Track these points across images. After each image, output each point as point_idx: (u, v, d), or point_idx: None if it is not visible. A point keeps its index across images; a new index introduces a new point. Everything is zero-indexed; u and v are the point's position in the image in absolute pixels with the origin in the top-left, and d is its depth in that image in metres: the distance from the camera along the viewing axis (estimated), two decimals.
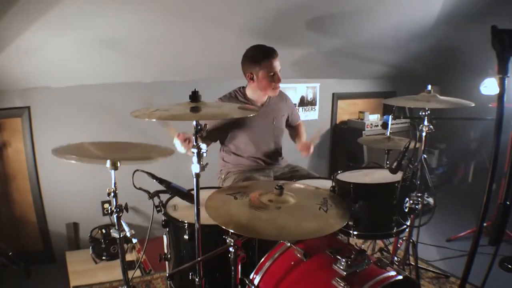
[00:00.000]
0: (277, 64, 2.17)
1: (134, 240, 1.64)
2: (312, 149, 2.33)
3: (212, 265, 1.58)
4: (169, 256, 1.77)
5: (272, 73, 2.15)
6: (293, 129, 2.60)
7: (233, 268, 1.44)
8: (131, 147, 1.75)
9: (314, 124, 3.96)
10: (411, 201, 1.76)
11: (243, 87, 2.35)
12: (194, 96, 1.39)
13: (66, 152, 1.50)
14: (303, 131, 2.57)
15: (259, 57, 2.15)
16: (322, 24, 2.92)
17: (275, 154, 2.45)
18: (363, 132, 3.75)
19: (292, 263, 1.44)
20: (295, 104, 3.74)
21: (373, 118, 3.96)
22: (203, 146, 1.33)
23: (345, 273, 1.29)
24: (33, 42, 2.24)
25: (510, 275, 1.21)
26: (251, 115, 1.53)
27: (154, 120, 1.30)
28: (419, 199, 1.77)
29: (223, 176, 2.40)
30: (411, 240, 2.09)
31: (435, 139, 4.35)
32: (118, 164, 1.52)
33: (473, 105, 1.86)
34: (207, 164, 1.37)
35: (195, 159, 1.33)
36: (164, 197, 1.78)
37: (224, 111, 1.54)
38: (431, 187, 1.79)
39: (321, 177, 2.30)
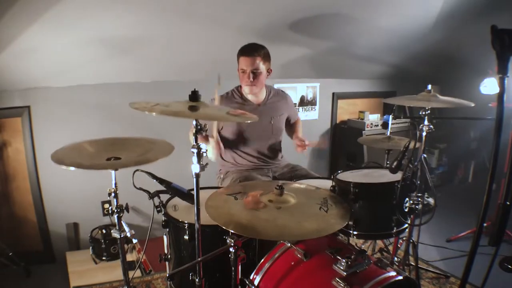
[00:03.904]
0: (250, 63, 2.18)
1: (134, 241, 1.63)
2: (306, 148, 2.33)
3: (212, 266, 1.58)
4: (169, 256, 1.77)
5: (242, 70, 2.22)
6: (291, 126, 2.63)
7: (233, 268, 1.44)
8: (132, 143, 1.73)
9: (314, 124, 3.96)
10: (411, 201, 1.76)
11: (240, 86, 2.37)
12: (194, 96, 1.39)
13: (65, 158, 1.50)
14: (299, 127, 2.62)
15: (238, 53, 2.25)
16: (322, 24, 2.92)
17: (274, 154, 2.46)
18: (363, 132, 3.75)
19: (292, 263, 1.44)
20: (295, 104, 3.74)
21: (373, 118, 3.96)
22: (203, 146, 1.33)
23: (345, 273, 1.29)
24: (33, 42, 2.24)
25: (510, 275, 1.20)
26: (248, 121, 1.50)
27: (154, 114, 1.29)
28: (419, 199, 1.77)
29: (222, 176, 2.40)
30: (411, 241, 2.09)
31: (435, 139, 4.35)
32: None
33: (473, 105, 1.86)
34: (207, 164, 1.37)
35: (195, 159, 1.32)
36: (164, 197, 1.78)
37: (221, 115, 1.52)
38: (431, 187, 1.79)
39: (321, 177, 2.30)
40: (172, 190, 1.63)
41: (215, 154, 2.21)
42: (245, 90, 2.29)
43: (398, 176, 1.71)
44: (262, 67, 2.21)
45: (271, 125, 2.39)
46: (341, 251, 1.41)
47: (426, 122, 1.90)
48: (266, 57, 2.24)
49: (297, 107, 3.76)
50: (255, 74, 2.20)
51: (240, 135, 2.32)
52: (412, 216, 1.83)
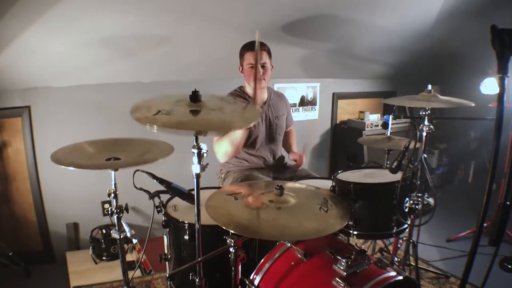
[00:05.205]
0: (258, 57, 2.17)
1: (134, 241, 1.64)
2: (304, 160, 2.37)
3: (212, 266, 1.58)
4: (169, 256, 1.77)
5: (250, 65, 2.20)
6: (286, 135, 2.60)
7: (233, 268, 1.44)
8: (132, 144, 1.73)
9: (314, 124, 3.96)
10: (411, 201, 1.76)
11: (242, 86, 2.37)
12: (194, 96, 1.38)
13: (65, 158, 1.50)
14: (294, 138, 2.63)
15: (242, 50, 2.25)
16: (322, 24, 2.92)
17: (277, 154, 2.46)
18: (363, 132, 3.75)
19: (292, 263, 1.44)
20: (295, 104, 3.74)
21: (373, 118, 3.96)
22: (203, 146, 1.33)
23: (345, 273, 1.29)
24: (33, 42, 2.24)
25: (510, 275, 1.21)
26: (254, 123, 1.46)
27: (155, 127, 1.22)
28: (419, 199, 1.77)
29: (223, 176, 2.40)
30: (411, 240, 2.09)
31: (435, 139, 4.35)
32: None
33: (473, 105, 1.87)
34: (207, 164, 1.36)
35: (195, 159, 1.32)
36: (164, 197, 1.78)
37: (228, 120, 1.42)
38: (431, 187, 1.79)
39: (321, 177, 2.30)
40: (172, 190, 1.62)
41: (234, 149, 2.11)
42: (253, 85, 2.26)
43: (398, 176, 1.71)
44: (268, 61, 2.24)
45: (275, 125, 2.40)
46: (341, 251, 1.41)
47: (426, 122, 1.90)
48: (270, 53, 2.27)
49: (297, 107, 3.77)
50: (264, 67, 2.22)
51: (249, 136, 2.32)
52: (412, 216, 1.83)
